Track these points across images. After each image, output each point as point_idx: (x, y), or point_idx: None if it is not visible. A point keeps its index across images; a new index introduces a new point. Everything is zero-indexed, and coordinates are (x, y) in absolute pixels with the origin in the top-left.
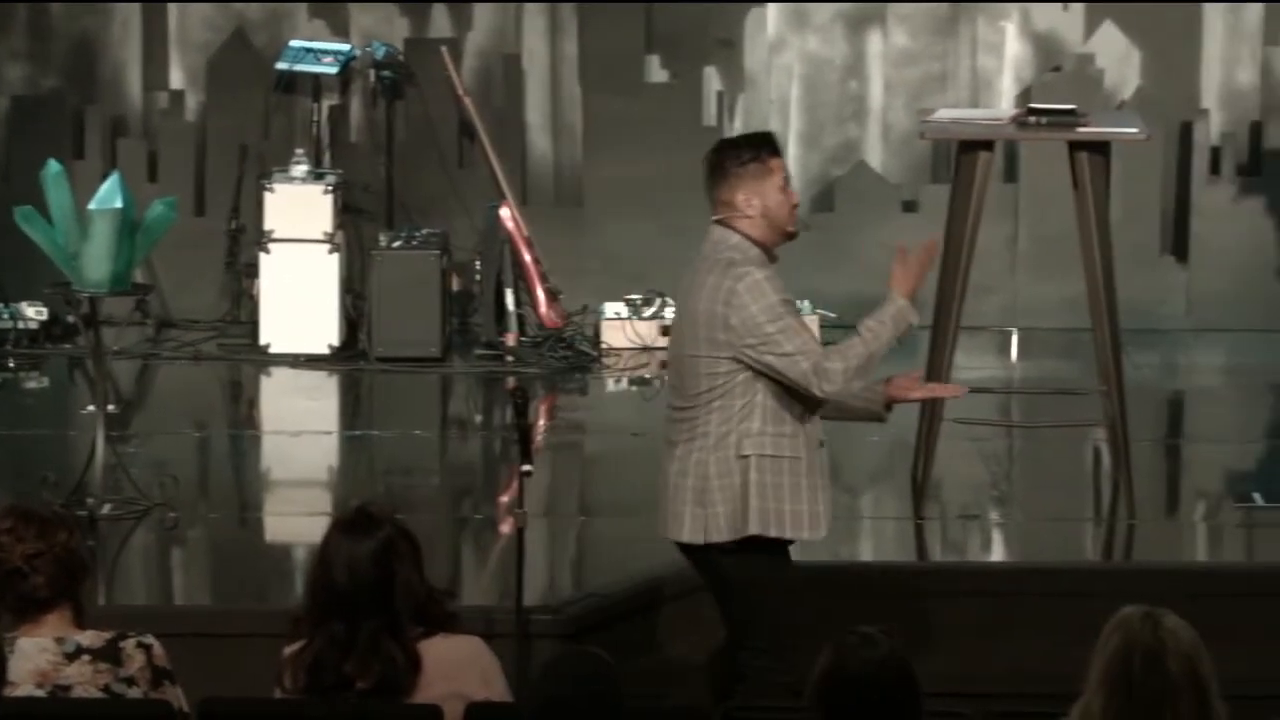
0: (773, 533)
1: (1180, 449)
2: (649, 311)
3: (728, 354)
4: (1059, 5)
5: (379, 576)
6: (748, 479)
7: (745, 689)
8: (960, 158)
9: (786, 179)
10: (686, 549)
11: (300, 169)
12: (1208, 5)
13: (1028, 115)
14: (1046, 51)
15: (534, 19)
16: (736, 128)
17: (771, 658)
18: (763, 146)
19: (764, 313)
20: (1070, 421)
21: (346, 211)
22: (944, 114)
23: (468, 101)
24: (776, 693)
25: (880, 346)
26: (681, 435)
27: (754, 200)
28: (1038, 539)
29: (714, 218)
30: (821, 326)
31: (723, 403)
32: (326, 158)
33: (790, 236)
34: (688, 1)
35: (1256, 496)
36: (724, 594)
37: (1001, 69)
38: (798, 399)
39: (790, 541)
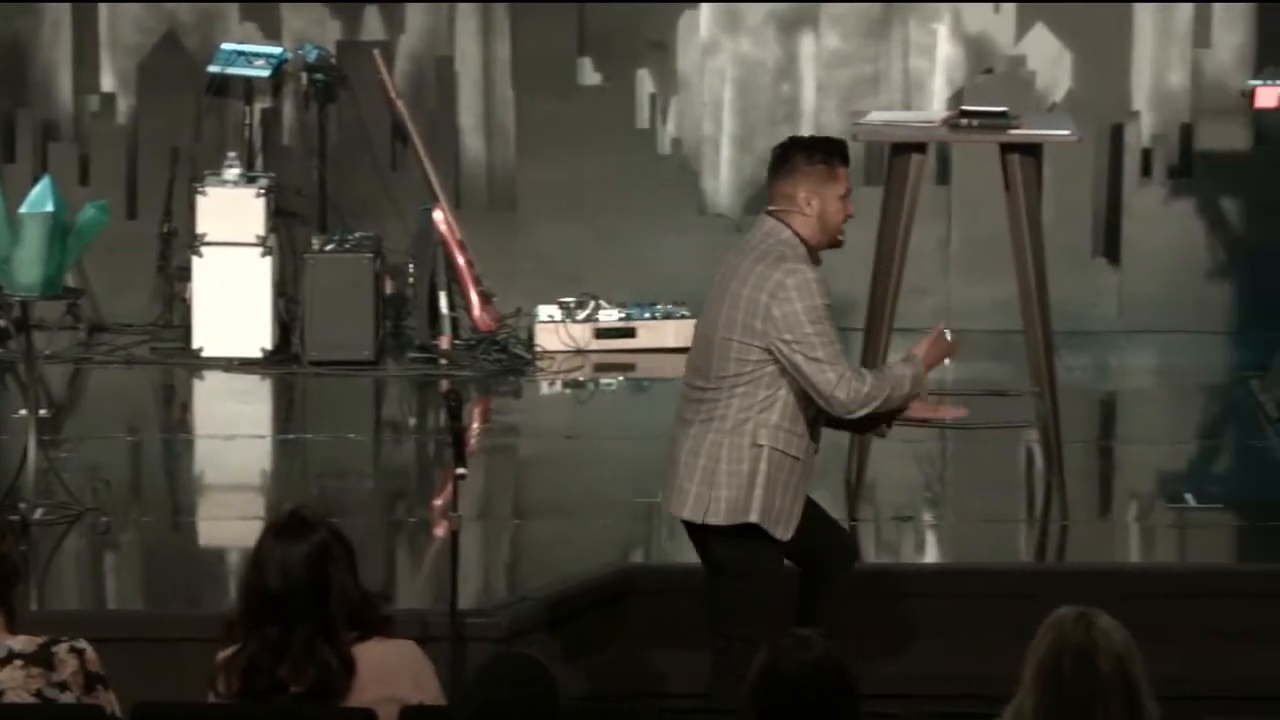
0: (766, 525)
1: (1113, 450)
2: (582, 314)
3: (761, 344)
4: (990, 7)
5: (313, 580)
6: (757, 468)
7: (713, 679)
8: (892, 160)
9: (849, 190)
10: (687, 526)
11: (232, 172)
12: (1138, 8)
13: (960, 117)
14: (978, 54)
15: (466, 21)
16: (669, 130)
17: (746, 646)
18: (835, 153)
19: (808, 313)
20: (1003, 423)
21: (279, 215)
22: (876, 116)
23: (400, 104)
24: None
25: (898, 396)
26: (698, 415)
27: (814, 201)
28: (971, 540)
29: (769, 208)
30: None
31: (747, 390)
32: (259, 161)
33: (836, 244)
34: (621, 1)
35: (1188, 497)
36: (711, 577)
37: (933, 71)
38: (812, 404)
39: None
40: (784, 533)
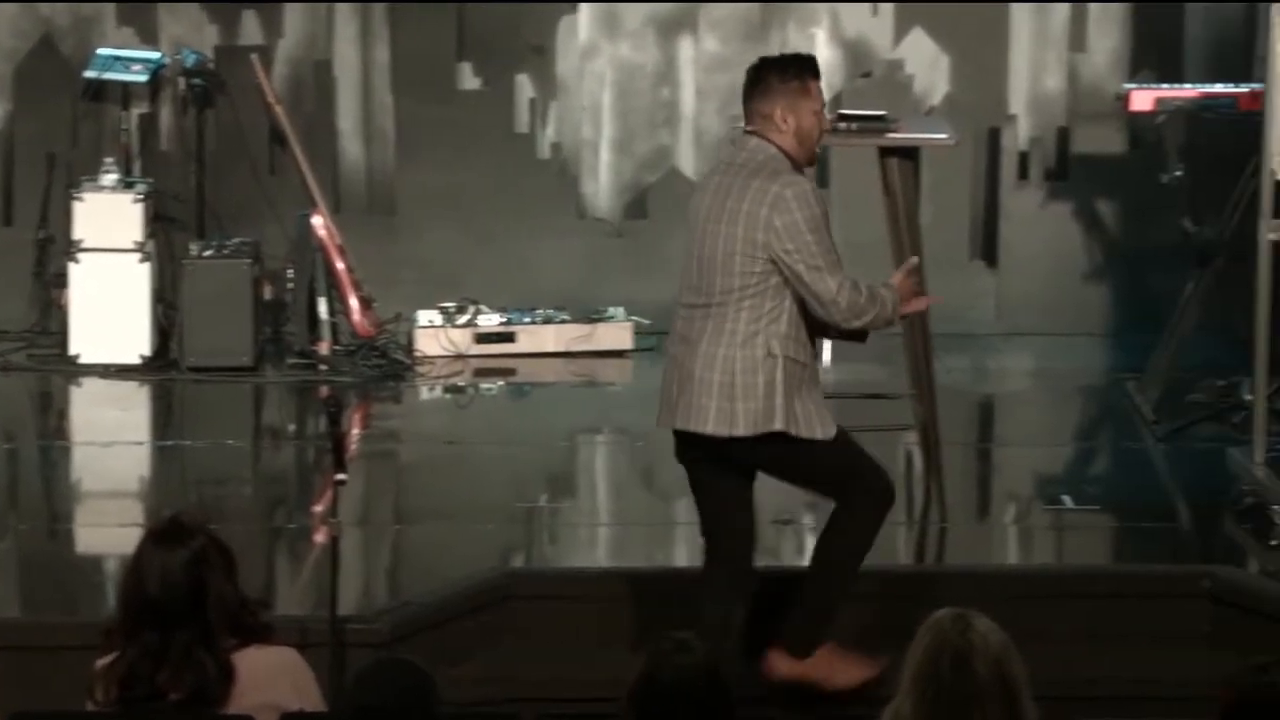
0: (793, 430)
1: (991, 453)
2: (462, 319)
3: (765, 255)
4: (868, 11)
5: (191, 587)
6: (775, 378)
7: (847, 505)
8: None
9: (823, 105)
10: (710, 440)
11: (110, 178)
12: (1015, 13)
13: (838, 121)
14: (856, 57)
15: (345, 26)
16: (548, 134)
17: (873, 479)
18: (806, 69)
19: (808, 222)
20: (882, 425)
21: (157, 220)
22: None
23: (279, 109)
24: (883, 505)
25: (883, 318)
26: (705, 331)
27: (790, 118)
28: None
29: (748, 128)
30: (636, 333)
31: (754, 302)
32: (136, 166)
33: (813, 160)
34: (501, 0)
35: (1066, 499)
36: (756, 477)
37: None
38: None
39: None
40: (824, 431)
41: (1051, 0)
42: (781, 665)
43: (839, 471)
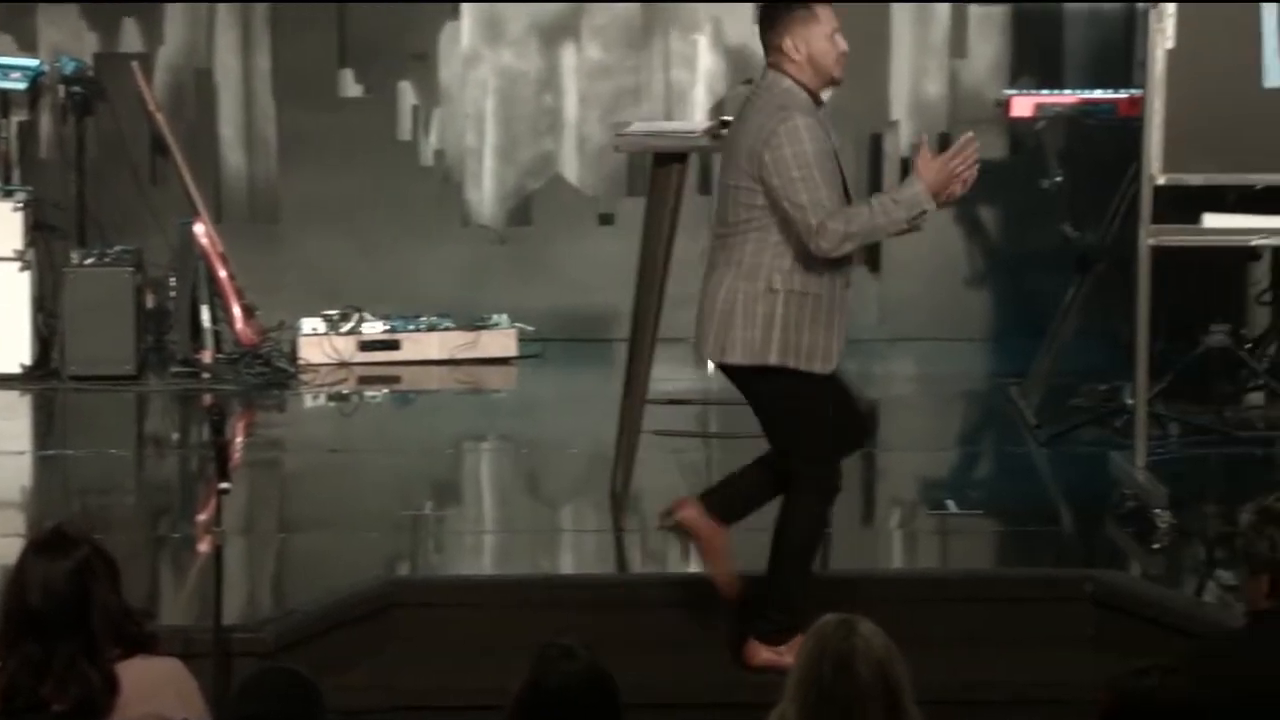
0: (790, 364)
1: (875, 457)
2: (346, 327)
3: (762, 189)
4: (750, 17)
5: (75, 597)
6: (774, 312)
7: (792, 499)
8: (655, 170)
9: (836, 28)
10: (720, 365)
11: None
12: (896, 19)
13: (721, 127)
14: (738, 64)
15: (226, 33)
16: (431, 142)
17: (821, 465)
18: None
19: (794, 158)
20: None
21: (37, 228)
22: (638, 127)
23: (159, 116)
24: (816, 500)
25: (888, 223)
26: (720, 260)
27: (800, 45)
28: (736, 547)
29: (767, 61)
30: (520, 340)
31: (759, 235)
32: (16, 174)
33: (834, 83)
34: (383, 1)
35: (949, 504)
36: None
37: (695, 81)
38: None
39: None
40: (823, 366)
41: (933, 0)
42: (758, 654)
43: (800, 439)
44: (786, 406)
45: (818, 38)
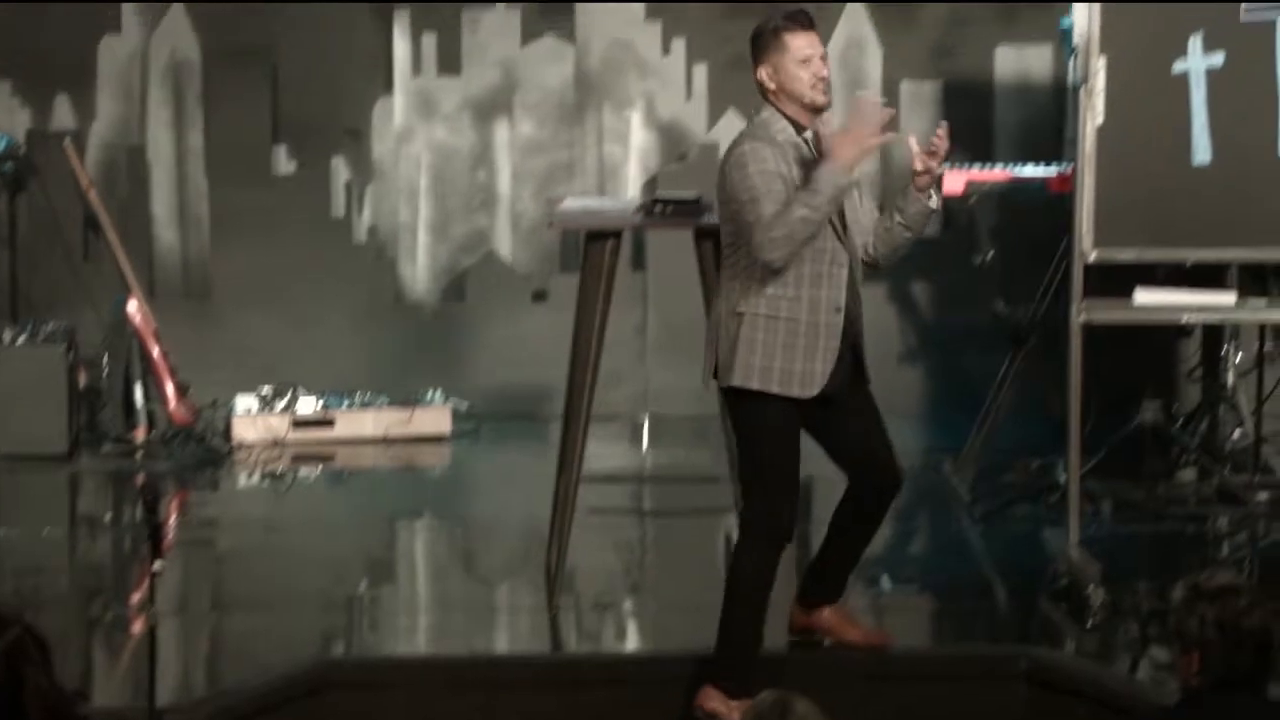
0: (754, 385)
1: (809, 534)
2: (280, 404)
3: (727, 213)
4: (682, 95)
5: (7, 680)
6: (738, 334)
7: (739, 541)
8: (588, 246)
9: (810, 55)
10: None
11: None
12: None
13: (654, 204)
14: (671, 140)
15: (158, 111)
16: (365, 218)
17: (753, 510)
18: (783, 22)
19: (741, 181)
20: (701, 508)
21: None
22: (572, 203)
23: (92, 194)
24: (763, 545)
25: (817, 210)
26: (718, 286)
27: (772, 75)
28: (670, 627)
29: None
30: (454, 417)
31: (733, 259)
32: None
33: (816, 109)
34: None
35: (884, 580)
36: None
37: (628, 157)
38: (808, 261)
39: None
40: (801, 390)
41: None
42: (709, 699)
43: (758, 472)
44: (746, 433)
45: (787, 65)
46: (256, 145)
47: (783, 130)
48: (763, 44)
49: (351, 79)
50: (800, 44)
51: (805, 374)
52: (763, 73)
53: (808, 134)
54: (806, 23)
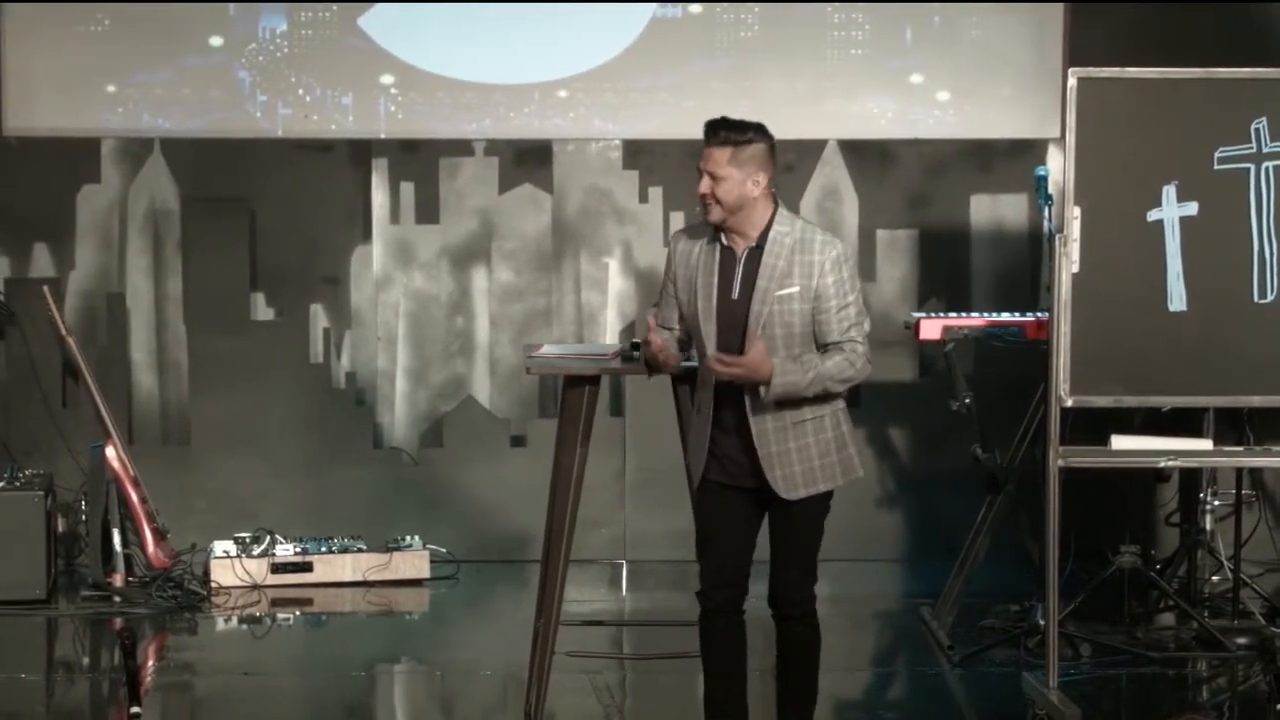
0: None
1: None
2: (258, 549)
3: None
4: (659, 241)
5: None
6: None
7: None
8: (566, 392)
9: (700, 172)
10: None
11: None
12: None
13: (631, 350)
14: (649, 286)
15: (137, 259)
16: (343, 364)
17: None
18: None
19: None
20: (681, 652)
21: None
22: (549, 349)
23: (71, 341)
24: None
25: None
26: None
27: None
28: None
29: None
30: (432, 562)
31: None
32: None
33: (717, 220)
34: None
35: None
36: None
37: (605, 303)
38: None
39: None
40: (694, 476)
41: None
42: None
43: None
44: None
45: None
46: (235, 292)
47: (705, 229)
48: None
49: (330, 227)
50: (704, 157)
51: (693, 464)
52: None
53: (717, 237)
54: (707, 133)
